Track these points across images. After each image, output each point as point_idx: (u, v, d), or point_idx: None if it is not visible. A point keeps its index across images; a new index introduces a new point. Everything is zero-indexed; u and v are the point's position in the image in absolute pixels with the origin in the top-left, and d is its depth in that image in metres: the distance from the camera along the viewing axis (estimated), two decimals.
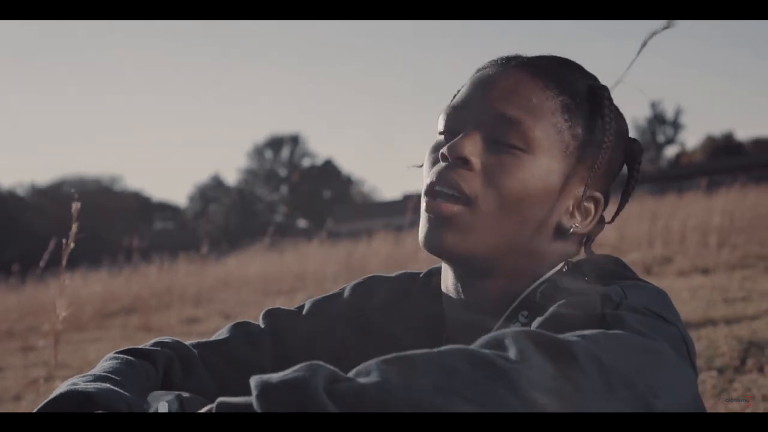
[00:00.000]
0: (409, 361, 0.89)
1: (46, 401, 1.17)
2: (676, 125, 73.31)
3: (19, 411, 4.67)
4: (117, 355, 1.32)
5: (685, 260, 8.64)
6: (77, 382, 1.20)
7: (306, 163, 72.17)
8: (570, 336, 0.97)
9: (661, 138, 73.18)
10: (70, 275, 3.00)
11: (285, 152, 71.78)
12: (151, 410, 1.16)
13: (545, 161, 1.28)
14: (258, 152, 72.35)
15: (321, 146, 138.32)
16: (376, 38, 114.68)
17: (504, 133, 1.28)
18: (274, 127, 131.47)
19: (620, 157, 1.39)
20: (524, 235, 1.30)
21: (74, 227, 2.64)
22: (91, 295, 11.58)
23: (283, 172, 71.13)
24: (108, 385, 1.19)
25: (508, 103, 1.29)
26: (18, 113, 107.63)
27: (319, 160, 72.27)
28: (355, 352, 1.42)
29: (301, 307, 1.51)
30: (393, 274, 1.53)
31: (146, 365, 1.32)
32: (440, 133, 1.35)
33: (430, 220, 1.29)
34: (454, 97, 1.38)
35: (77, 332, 9.10)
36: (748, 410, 3.14)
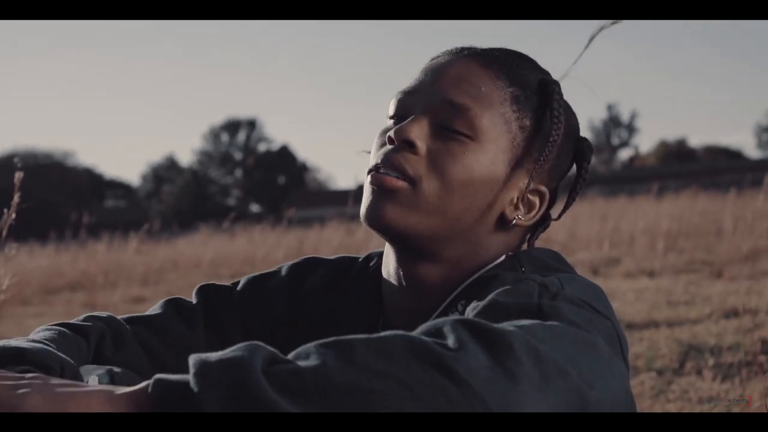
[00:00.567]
0: (348, 345, 0.90)
1: None
2: (630, 128, 74.09)
3: None
4: (50, 327, 1.30)
5: (632, 262, 8.72)
6: (9, 341, 1.19)
7: (262, 147, 71.90)
8: (507, 326, 0.98)
9: (615, 140, 73.86)
10: (17, 247, 2.96)
11: (241, 136, 71.41)
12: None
13: (491, 150, 1.29)
14: (214, 134, 71.91)
15: (278, 132, 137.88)
16: (339, 28, 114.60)
17: (451, 120, 1.28)
18: (231, 110, 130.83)
19: (569, 154, 1.39)
20: (466, 222, 1.30)
21: (16, 197, 2.60)
22: (36, 270, 11.45)
23: (238, 155, 70.77)
24: (41, 345, 1.17)
25: (457, 89, 1.30)
26: None
27: (276, 146, 72.01)
28: (287, 330, 1.44)
29: (236, 284, 1.51)
30: (332, 257, 1.53)
31: (78, 338, 1.31)
32: (390, 117, 1.35)
33: (373, 192, 1.29)
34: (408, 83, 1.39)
35: (21, 306, 9.00)
36: (749, 410, 3.16)
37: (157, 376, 0.89)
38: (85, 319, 1.37)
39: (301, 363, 0.88)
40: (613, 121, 73.10)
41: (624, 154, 74.65)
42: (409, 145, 1.28)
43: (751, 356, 3.85)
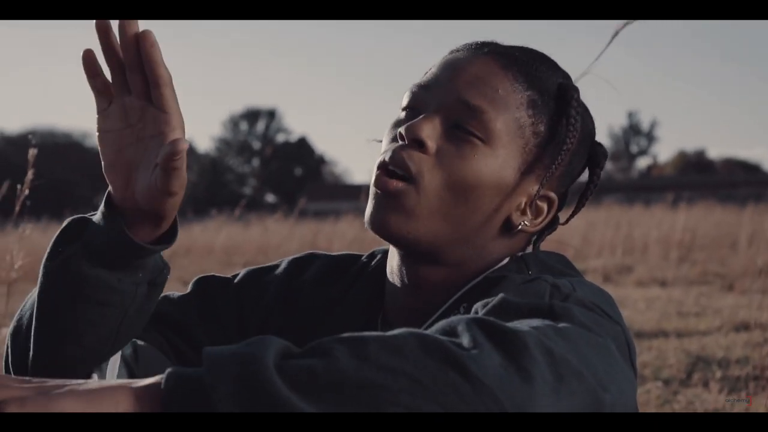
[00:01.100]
0: (362, 341, 0.89)
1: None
2: (650, 137, 73.74)
3: None
4: None
5: (645, 271, 8.70)
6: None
7: (280, 138, 71.87)
8: (521, 326, 0.97)
9: (634, 148, 73.53)
10: (31, 226, 2.96)
11: (260, 125, 71.40)
12: None
13: (502, 154, 1.28)
14: (233, 122, 71.92)
15: (297, 123, 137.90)
16: (361, 24, 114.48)
17: (464, 121, 1.27)
18: (251, 99, 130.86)
19: (583, 159, 1.38)
20: (470, 226, 1.29)
21: (30, 173, 2.60)
22: None
23: (256, 145, 70.75)
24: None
25: (473, 90, 1.28)
26: None
27: (294, 137, 71.97)
28: (279, 319, 1.43)
29: (236, 275, 1.51)
30: (335, 253, 1.52)
31: None
32: (402, 109, 1.34)
33: (376, 197, 1.29)
34: (425, 75, 1.37)
35: (32, 283, 9.01)
36: (749, 410, 3.17)
37: (170, 369, 0.89)
38: None
39: (314, 358, 0.88)
40: (632, 129, 72.76)
41: (642, 163, 74.36)
42: (418, 144, 1.27)
43: (759, 370, 3.84)
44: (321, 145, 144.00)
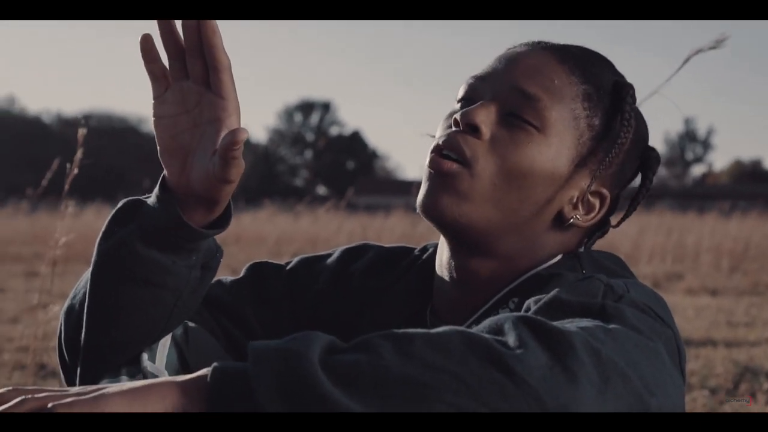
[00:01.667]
0: (407, 338, 0.89)
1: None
2: (706, 145, 72.99)
3: (14, 334, 4.71)
4: None
5: (695, 279, 8.62)
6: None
7: (334, 131, 72.11)
8: (569, 326, 0.97)
9: (690, 155, 72.81)
10: (73, 203, 2.98)
11: (314, 117, 71.70)
12: None
13: (556, 144, 1.27)
14: (288, 113, 72.29)
15: (351, 116, 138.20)
16: (413, 21, 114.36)
17: (520, 108, 1.27)
18: (306, 91, 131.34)
19: (635, 162, 1.36)
20: (522, 215, 1.28)
21: (79, 153, 2.63)
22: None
23: (309, 137, 71.05)
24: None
25: (529, 79, 1.28)
26: (53, 41, 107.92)
27: (347, 130, 72.20)
28: (330, 306, 1.43)
29: (289, 263, 1.51)
30: (388, 245, 1.52)
31: None
32: (458, 101, 1.34)
33: (430, 178, 1.28)
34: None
35: (84, 264, 9.13)
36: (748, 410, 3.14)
37: (216, 364, 0.90)
38: None
39: (359, 354, 0.88)
40: (689, 136, 72.09)
41: (697, 170, 73.68)
42: (473, 129, 1.27)
43: None
44: (374, 139, 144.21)
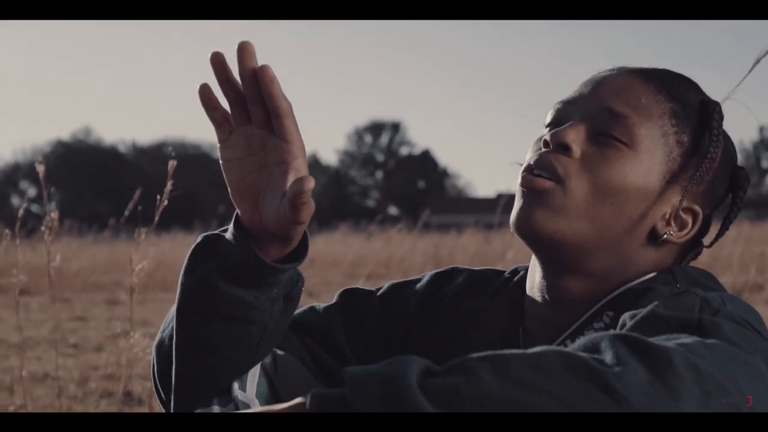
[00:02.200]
0: (504, 359, 0.89)
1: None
2: None
3: (98, 362, 4.79)
4: None
5: None
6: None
7: (404, 151, 72.36)
8: (667, 342, 0.96)
9: (765, 163, 71.64)
10: (145, 232, 3.04)
11: (384, 138, 72.04)
12: None
13: (646, 160, 1.28)
14: (358, 135, 72.76)
15: (420, 136, 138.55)
16: (484, 39, 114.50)
17: (609, 126, 1.28)
18: (375, 112, 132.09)
19: (725, 181, 1.36)
20: (615, 231, 1.28)
21: (169, 185, 2.67)
22: (180, 256, 11.73)
23: (380, 157, 71.40)
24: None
25: (616, 98, 1.30)
26: (125, 72, 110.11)
27: (417, 150, 72.38)
28: (421, 330, 1.44)
29: (379, 288, 1.53)
30: (477, 268, 1.53)
31: None
32: (546, 126, 1.35)
33: (523, 196, 1.29)
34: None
35: (162, 292, 9.29)
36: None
37: (314, 390, 0.89)
38: None
39: (457, 376, 0.87)
40: (764, 144, 70.95)
41: None
42: (563, 148, 1.28)
43: None
44: (444, 158, 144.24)
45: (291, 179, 1.15)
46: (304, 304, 1.50)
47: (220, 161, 1.21)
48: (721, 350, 0.98)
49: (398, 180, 68.87)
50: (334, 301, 1.49)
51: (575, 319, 1.29)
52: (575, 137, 1.28)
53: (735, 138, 1.39)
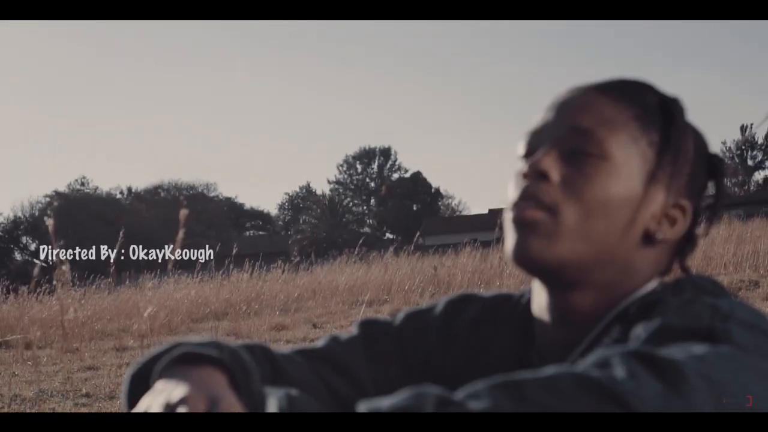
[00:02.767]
0: (516, 384, 0.91)
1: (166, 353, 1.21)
2: (766, 150, 71.76)
3: (113, 410, 4.84)
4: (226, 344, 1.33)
5: None
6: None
7: (395, 176, 72.20)
8: (678, 353, 0.98)
9: (751, 162, 71.66)
10: (151, 279, 3.13)
11: (375, 165, 71.94)
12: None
13: (624, 167, 1.30)
14: (348, 164, 72.64)
15: (410, 159, 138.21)
16: (469, 55, 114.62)
17: (580, 144, 1.31)
18: (365, 139, 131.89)
19: (703, 168, 1.39)
20: (611, 242, 1.30)
21: (180, 234, 2.74)
22: (184, 299, 11.75)
23: (372, 184, 71.26)
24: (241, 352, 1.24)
25: (580, 116, 1.33)
26: (117, 121, 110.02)
27: (408, 173, 72.23)
28: (440, 359, 1.48)
29: (395, 317, 1.56)
30: (488, 293, 1.55)
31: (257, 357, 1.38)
32: (520, 158, 1.38)
33: (515, 229, 1.31)
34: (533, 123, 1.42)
35: (169, 334, 9.29)
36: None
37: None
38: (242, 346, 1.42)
39: (472, 403, 0.89)
40: (748, 142, 70.89)
41: (759, 176, 72.31)
42: (542, 176, 1.30)
43: None
44: (435, 179, 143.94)
45: None
46: (308, 335, 1.56)
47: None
48: (733, 357, 1.01)
49: (392, 205, 68.59)
50: (354, 332, 1.52)
51: (585, 335, 1.31)
52: (551, 162, 1.30)
53: (718, 140, 1.41)
